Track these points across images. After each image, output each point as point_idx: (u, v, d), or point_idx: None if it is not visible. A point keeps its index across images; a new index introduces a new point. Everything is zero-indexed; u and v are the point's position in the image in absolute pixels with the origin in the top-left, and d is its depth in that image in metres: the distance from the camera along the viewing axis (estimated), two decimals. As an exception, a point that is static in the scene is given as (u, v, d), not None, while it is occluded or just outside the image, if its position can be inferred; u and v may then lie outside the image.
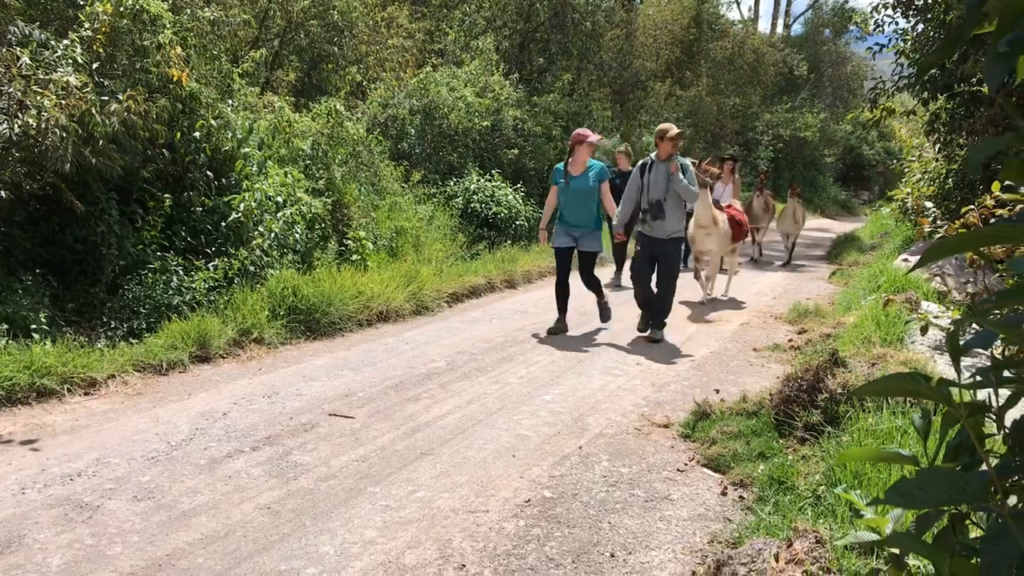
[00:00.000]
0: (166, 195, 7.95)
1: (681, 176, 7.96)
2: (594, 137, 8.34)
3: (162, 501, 4.20)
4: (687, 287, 10.46)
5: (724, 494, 4.47)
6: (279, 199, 9.05)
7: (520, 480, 4.61)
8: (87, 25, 7.53)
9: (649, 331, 8.33)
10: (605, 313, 8.74)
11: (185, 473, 4.59)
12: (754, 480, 4.50)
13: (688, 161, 8.26)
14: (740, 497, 4.41)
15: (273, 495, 4.34)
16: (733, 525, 4.02)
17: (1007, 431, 1.36)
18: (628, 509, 4.25)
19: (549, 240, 8.70)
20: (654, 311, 8.28)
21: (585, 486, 4.53)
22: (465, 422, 5.55)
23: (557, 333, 8.34)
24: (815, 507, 3.87)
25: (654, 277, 8.31)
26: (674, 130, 8.06)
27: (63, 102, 6.73)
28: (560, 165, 8.48)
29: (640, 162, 8.31)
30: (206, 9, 9.96)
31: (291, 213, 9.01)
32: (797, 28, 42.96)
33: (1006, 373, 1.38)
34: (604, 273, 11.32)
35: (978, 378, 1.35)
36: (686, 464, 4.90)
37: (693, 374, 6.99)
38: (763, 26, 41.05)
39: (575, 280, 8.62)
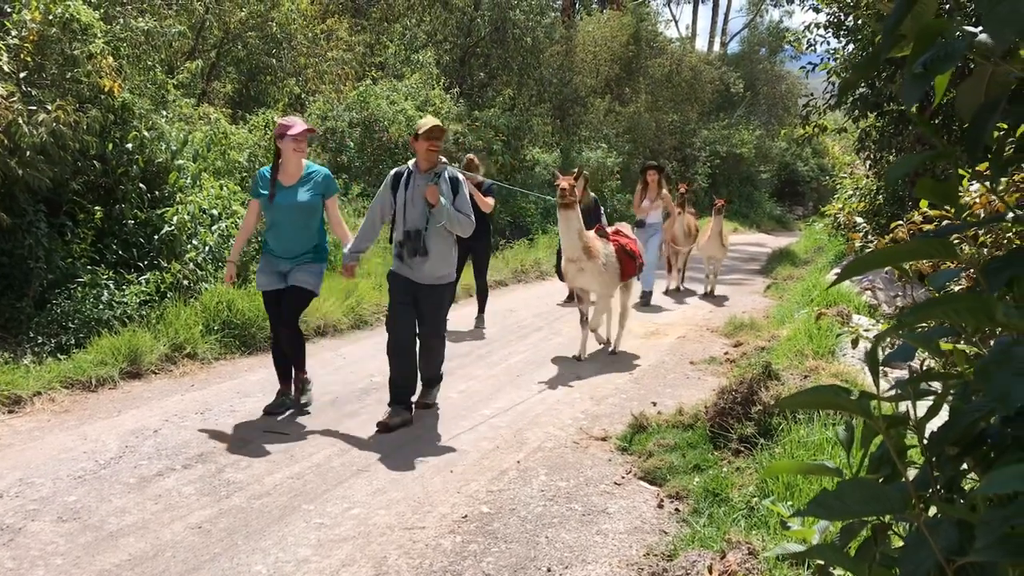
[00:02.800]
0: (97, 207, 7.78)
1: (444, 202, 5.66)
2: (300, 127, 5.81)
3: (88, 522, 4.09)
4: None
5: (660, 507, 4.50)
6: (214, 212, 8.91)
7: (458, 496, 4.59)
8: (14, 33, 7.34)
9: (418, 397, 6.09)
10: (302, 389, 6.15)
11: (113, 492, 4.47)
12: (690, 492, 4.54)
13: (458, 173, 5.97)
14: (676, 510, 4.45)
15: (205, 514, 4.25)
16: (669, 538, 4.05)
17: (926, 443, 1.39)
18: (565, 523, 4.26)
19: (244, 278, 6.23)
20: (424, 378, 6.13)
21: (523, 501, 4.53)
22: (402, 437, 5.51)
23: (275, 412, 5.91)
24: (748, 519, 3.92)
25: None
26: (428, 123, 5.73)
27: (-12, 111, 6.56)
28: (265, 169, 6.02)
29: (394, 171, 5.95)
30: (140, 19, 9.80)
31: (226, 226, 8.88)
32: (734, 46, 43.89)
33: (925, 385, 1.42)
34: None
35: (897, 391, 1.38)
36: (623, 477, 4.93)
37: (631, 387, 7.04)
38: (701, 44, 41.86)
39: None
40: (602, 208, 10.99)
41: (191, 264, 8.16)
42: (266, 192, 5.86)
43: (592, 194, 10.70)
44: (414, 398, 6.01)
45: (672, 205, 12.19)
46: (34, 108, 7.04)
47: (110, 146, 8.06)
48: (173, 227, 8.19)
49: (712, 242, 12.54)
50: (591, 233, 7.89)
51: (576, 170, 8.24)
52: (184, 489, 4.55)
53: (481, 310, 9.73)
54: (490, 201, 9.27)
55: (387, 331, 5.87)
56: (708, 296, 12.72)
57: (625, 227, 9.01)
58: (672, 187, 13.13)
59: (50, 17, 7.43)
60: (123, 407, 6.02)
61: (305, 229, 5.92)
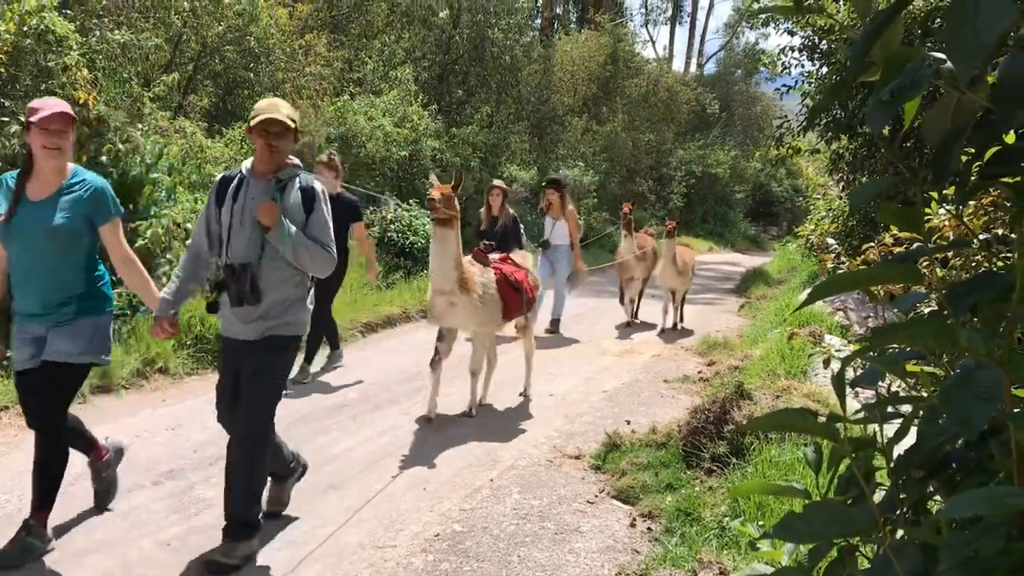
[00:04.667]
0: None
1: (287, 224, 3.87)
2: (52, 109, 3.75)
3: (55, 539, 4.03)
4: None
5: (633, 525, 4.50)
6: (189, 226, 8.84)
7: (430, 514, 4.57)
8: (-12, 44, 7.28)
9: (219, 552, 3.86)
10: (103, 492, 4.46)
11: (81, 509, 4.41)
12: (662, 511, 4.55)
13: (316, 183, 4.14)
14: (648, 528, 4.45)
15: (174, 531, 4.20)
16: (640, 557, 4.05)
17: (892, 466, 1.40)
18: (538, 542, 4.24)
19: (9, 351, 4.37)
20: (227, 513, 3.91)
21: (495, 519, 4.51)
22: (375, 455, 5.48)
23: (13, 564, 3.74)
24: (720, 538, 3.93)
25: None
26: (263, 109, 3.94)
27: (-41, 122, 6.49)
28: (9, 175, 3.98)
29: (222, 175, 4.21)
30: (116, 32, 9.75)
31: (201, 240, 8.83)
32: (710, 67, 44.29)
33: (893, 408, 1.43)
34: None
35: (864, 414, 1.40)
36: (596, 496, 4.92)
37: (605, 405, 7.04)
38: (677, 65, 42.16)
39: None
40: (522, 227, 9.81)
41: (165, 278, 8.08)
42: (1, 215, 3.81)
43: (512, 210, 9.65)
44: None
45: (576, 224, 10.62)
46: (7, 119, 6.98)
47: (84, 159, 7.99)
48: (147, 241, 8.12)
49: (667, 271, 10.59)
50: (468, 258, 6.37)
51: (456, 175, 6.12)
52: (153, 506, 4.50)
53: (335, 345, 8.08)
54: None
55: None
56: (667, 331, 10.84)
57: (521, 255, 7.55)
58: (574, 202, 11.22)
59: (25, 28, 7.38)
60: (92, 423, 5.89)
61: (59, 269, 3.89)
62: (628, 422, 6.38)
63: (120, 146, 8.28)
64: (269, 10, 15.08)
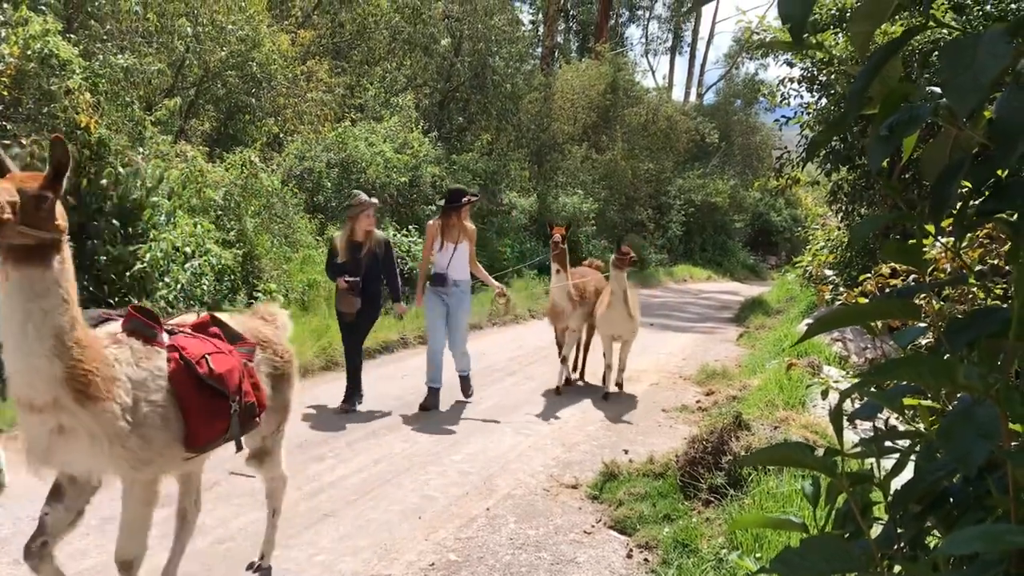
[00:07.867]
0: (70, 243, 7.71)
1: None
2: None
3: (46, 564, 3.99)
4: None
5: (629, 557, 4.47)
6: (188, 249, 8.87)
7: (425, 543, 4.53)
8: (-8, 67, 7.33)
9: None
10: None
11: (74, 534, 4.36)
12: (659, 543, 4.51)
13: None
14: (645, 560, 4.42)
15: (166, 558, 4.16)
16: (637, 588, 4.02)
17: (890, 500, 1.40)
18: (534, 572, 4.21)
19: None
20: None
21: (491, 549, 4.48)
22: (371, 482, 5.45)
23: None
24: (717, 570, 3.90)
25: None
26: None
27: (-39, 144, 6.52)
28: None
29: None
30: (119, 56, 9.81)
31: (199, 264, 8.84)
32: (709, 97, 44.53)
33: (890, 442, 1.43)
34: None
35: (861, 448, 1.39)
36: (593, 526, 4.89)
37: (603, 434, 7.01)
38: (677, 94, 42.43)
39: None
40: (394, 252, 7.80)
41: (163, 302, 8.09)
42: None
43: (381, 232, 7.67)
44: None
45: (473, 242, 7.85)
46: (8, 142, 7.00)
47: (85, 182, 8.02)
48: (145, 264, 8.13)
49: (614, 313, 8.01)
50: (110, 329, 3.25)
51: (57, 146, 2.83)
52: (146, 532, 4.46)
53: None
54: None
55: None
56: (608, 398, 8.28)
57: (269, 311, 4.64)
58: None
59: (28, 52, 7.43)
60: (87, 446, 5.91)
61: None
62: (626, 451, 6.35)
63: (121, 169, 8.32)
64: (271, 36, 15.19)
